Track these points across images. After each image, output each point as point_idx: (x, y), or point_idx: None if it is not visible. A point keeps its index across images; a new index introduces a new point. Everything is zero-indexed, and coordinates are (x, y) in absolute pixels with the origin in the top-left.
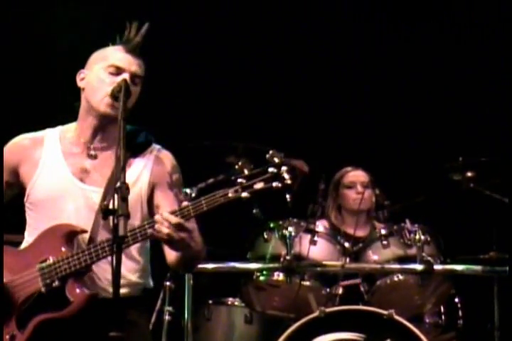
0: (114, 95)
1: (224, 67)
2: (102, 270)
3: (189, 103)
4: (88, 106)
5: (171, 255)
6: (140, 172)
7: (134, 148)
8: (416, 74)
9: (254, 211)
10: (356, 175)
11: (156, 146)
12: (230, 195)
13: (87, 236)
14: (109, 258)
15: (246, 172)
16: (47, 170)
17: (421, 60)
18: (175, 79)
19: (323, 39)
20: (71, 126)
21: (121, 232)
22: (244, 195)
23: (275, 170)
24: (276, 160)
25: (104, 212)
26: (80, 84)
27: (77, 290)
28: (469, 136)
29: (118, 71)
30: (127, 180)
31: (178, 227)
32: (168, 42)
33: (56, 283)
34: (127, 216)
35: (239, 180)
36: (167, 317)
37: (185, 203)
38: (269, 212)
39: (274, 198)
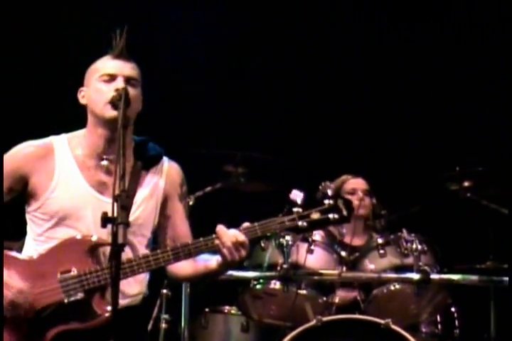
0: (114, 103)
1: (222, 75)
2: (132, 291)
3: (186, 111)
4: (95, 119)
5: (187, 268)
6: (155, 185)
7: (146, 161)
8: (414, 83)
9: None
10: (357, 183)
11: (165, 158)
12: (287, 223)
13: (108, 248)
14: None
15: (299, 201)
16: (64, 182)
17: (420, 69)
18: (172, 86)
19: (323, 46)
20: (78, 134)
21: (120, 240)
22: (301, 224)
23: (331, 202)
24: (329, 192)
25: (103, 220)
26: (82, 101)
27: (106, 304)
28: (466, 145)
29: (111, 78)
30: (144, 194)
31: (243, 245)
32: (165, 48)
33: (81, 295)
34: (127, 224)
35: (294, 209)
36: (164, 325)
37: (246, 224)
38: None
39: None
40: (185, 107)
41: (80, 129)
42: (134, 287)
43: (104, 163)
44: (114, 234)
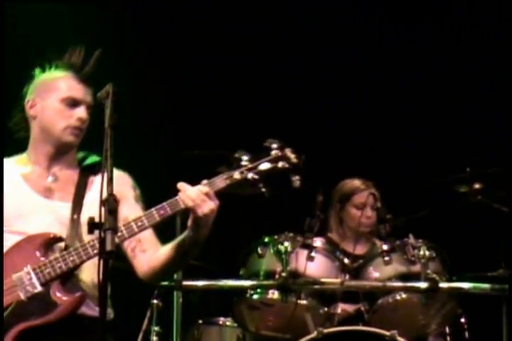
0: (101, 102)
1: (217, 74)
2: (89, 277)
3: (179, 111)
4: (44, 135)
5: (159, 257)
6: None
7: (90, 168)
8: (420, 83)
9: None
10: (368, 196)
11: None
12: (235, 176)
13: (62, 244)
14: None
15: (246, 157)
16: (8, 193)
17: (426, 70)
18: (164, 87)
19: (332, 42)
20: (23, 154)
21: (108, 247)
22: (251, 175)
23: (279, 152)
24: (275, 145)
25: (90, 225)
26: (30, 112)
27: (65, 293)
28: (477, 145)
29: (74, 102)
30: (92, 198)
31: (208, 195)
32: (162, 48)
33: (38, 289)
34: (115, 230)
35: (242, 163)
36: (154, 338)
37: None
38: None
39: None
40: (177, 108)
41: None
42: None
43: (50, 179)
44: (102, 241)
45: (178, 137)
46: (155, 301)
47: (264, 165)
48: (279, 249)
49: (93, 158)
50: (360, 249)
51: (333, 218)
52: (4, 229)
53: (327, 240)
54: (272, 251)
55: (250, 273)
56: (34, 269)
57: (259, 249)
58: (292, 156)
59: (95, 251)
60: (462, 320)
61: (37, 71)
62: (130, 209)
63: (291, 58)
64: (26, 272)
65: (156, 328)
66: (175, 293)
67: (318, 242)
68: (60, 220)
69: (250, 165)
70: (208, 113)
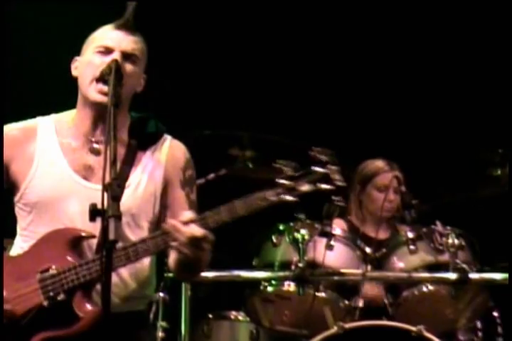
0: (104, 78)
1: (228, 52)
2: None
3: (187, 88)
4: (81, 96)
5: (174, 260)
6: (153, 168)
7: (143, 140)
8: (449, 63)
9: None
10: (391, 178)
11: (167, 137)
12: (271, 198)
13: (94, 241)
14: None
15: (288, 172)
16: (44, 168)
17: (457, 51)
18: (172, 63)
19: (346, 32)
20: (67, 115)
21: (111, 236)
22: (289, 198)
23: (323, 171)
24: (323, 158)
25: (92, 212)
26: (74, 73)
27: (88, 305)
28: (510, 124)
29: (108, 50)
30: (139, 178)
31: (204, 240)
32: (171, 29)
33: (61, 297)
34: (119, 217)
35: (280, 181)
36: (161, 334)
37: (220, 207)
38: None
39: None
40: (185, 84)
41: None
42: (134, 289)
43: (93, 145)
44: (104, 229)
45: (185, 115)
46: (161, 294)
47: (306, 187)
48: (296, 237)
49: (151, 125)
50: (382, 234)
51: (352, 201)
52: (35, 211)
53: (348, 224)
54: (287, 239)
55: (264, 264)
56: (59, 273)
57: (273, 237)
58: (338, 178)
59: (121, 263)
60: (494, 313)
61: None
62: (174, 197)
63: (304, 44)
64: (51, 275)
65: (163, 323)
66: (183, 285)
67: (337, 230)
68: None
69: (289, 185)
70: (216, 89)
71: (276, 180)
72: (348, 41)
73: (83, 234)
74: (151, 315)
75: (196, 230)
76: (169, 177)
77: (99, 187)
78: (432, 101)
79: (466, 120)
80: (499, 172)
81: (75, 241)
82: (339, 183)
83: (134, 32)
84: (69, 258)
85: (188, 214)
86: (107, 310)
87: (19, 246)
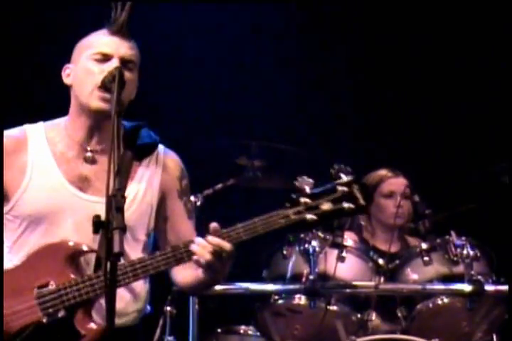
0: (106, 86)
1: (237, 57)
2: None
3: (194, 98)
4: (78, 104)
5: (185, 276)
6: (149, 179)
7: (138, 151)
8: (458, 71)
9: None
10: (397, 183)
11: (161, 146)
12: (292, 216)
13: (92, 256)
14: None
15: (308, 189)
16: (38, 179)
17: (466, 59)
18: (177, 71)
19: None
20: (58, 123)
21: (116, 248)
22: (310, 217)
23: (345, 189)
24: (343, 176)
25: (96, 224)
26: (66, 81)
27: (90, 323)
28: None
29: (105, 57)
30: (136, 189)
31: (229, 254)
32: (174, 33)
33: (62, 313)
34: (123, 229)
35: (301, 200)
36: None
37: (238, 225)
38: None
39: None
40: (192, 94)
41: (61, 117)
42: (128, 303)
43: (88, 154)
44: (109, 242)
45: (192, 124)
46: (168, 308)
47: (327, 205)
48: (306, 248)
49: (144, 135)
50: (393, 247)
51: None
52: (26, 223)
53: (359, 236)
54: (298, 251)
55: (274, 276)
56: (59, 289)
57: (284, 248)
58: (360, 197)
59: (127, 280)
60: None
61: None
62: (172, 208)
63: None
64: (50, 291)
65: (170, 338)
66: (190, 298)
67: (349, 241)
68: None
69: (310, 204)
70: (223, 98)
71: (297, 197)
72: (358, 49)
73: (85, 249)
74: (158, 330)
75: (224, 242)
76: (166, 187)
77: (96, 199)
78: (446, 111)
79: (479, 129)
80: None
81: (74, 256)
82: (361, 202)
83: (130, 37)
84: (68, 273)
85: (215, 227)
86: (111, 328)
87: (9, 260)
